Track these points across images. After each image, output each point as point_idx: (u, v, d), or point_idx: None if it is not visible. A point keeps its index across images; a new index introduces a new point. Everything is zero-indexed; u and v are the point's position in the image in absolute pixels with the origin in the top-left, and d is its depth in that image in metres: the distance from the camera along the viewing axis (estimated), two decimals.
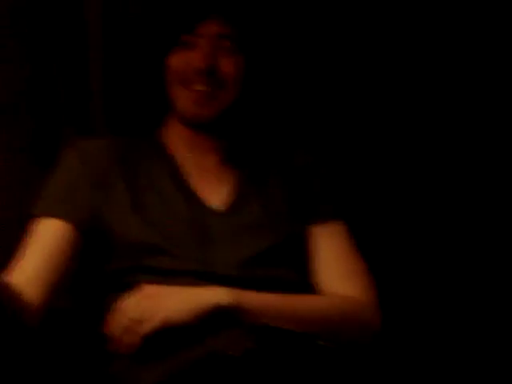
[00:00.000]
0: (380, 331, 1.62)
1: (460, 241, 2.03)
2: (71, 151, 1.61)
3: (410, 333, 1.99)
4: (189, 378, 1.44)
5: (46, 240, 1.54)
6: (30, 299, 1.45)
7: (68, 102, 1.80)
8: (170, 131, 1.65)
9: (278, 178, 1.67)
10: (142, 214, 1.56)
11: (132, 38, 1.78)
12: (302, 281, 1.61)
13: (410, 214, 2.03)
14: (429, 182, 2.04)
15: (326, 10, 1.99)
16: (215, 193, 1.61)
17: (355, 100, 2.02)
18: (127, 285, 1.51)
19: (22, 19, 1.77)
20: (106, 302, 1.54)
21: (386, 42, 2.02)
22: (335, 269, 1.63)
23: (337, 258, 1.64)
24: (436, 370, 1.96)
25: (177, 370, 1.45)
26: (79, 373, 1.68)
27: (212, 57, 1.55)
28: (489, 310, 2.01)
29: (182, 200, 1.59)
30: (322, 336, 1.47)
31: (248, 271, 1.54)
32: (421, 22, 2.03)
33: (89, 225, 1.55)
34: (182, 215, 1.57)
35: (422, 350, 1.98)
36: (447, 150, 2.04)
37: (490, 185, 2.04)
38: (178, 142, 1.64)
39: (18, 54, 1.77)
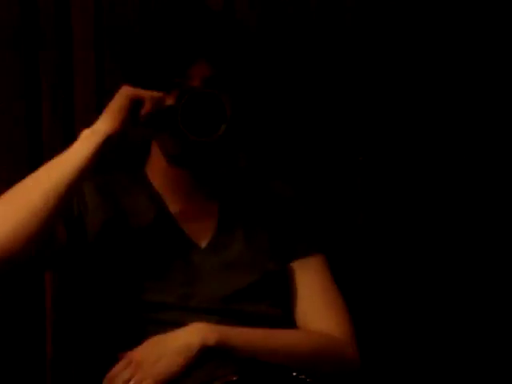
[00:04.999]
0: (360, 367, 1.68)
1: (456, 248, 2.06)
2: None
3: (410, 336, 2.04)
4: None
5: None
6: None
7: None
8: (156, 170, 1.72)
9: (260, 211, 1.74)
10: (128, 250, 1.64)
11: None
12: (283, 316, 1.69)
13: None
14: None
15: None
16: (200, 229, 1.69)
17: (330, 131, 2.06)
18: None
19: None
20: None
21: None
22: (312, 304, 1.70)
23: (314, 294, 1.71)
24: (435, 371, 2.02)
25: None
26: None
27: None
28: (488, 314, 2.04)
29: (168, 237, 1.66)
30: (299, 369, 1.53)
31: (230, 306, 1.63)
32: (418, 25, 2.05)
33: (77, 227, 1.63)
34: (168, 252, 1.65)
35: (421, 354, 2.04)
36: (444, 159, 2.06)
37: (490, 186, 2.07)
38: (164, 180, 1.71)
39: None
